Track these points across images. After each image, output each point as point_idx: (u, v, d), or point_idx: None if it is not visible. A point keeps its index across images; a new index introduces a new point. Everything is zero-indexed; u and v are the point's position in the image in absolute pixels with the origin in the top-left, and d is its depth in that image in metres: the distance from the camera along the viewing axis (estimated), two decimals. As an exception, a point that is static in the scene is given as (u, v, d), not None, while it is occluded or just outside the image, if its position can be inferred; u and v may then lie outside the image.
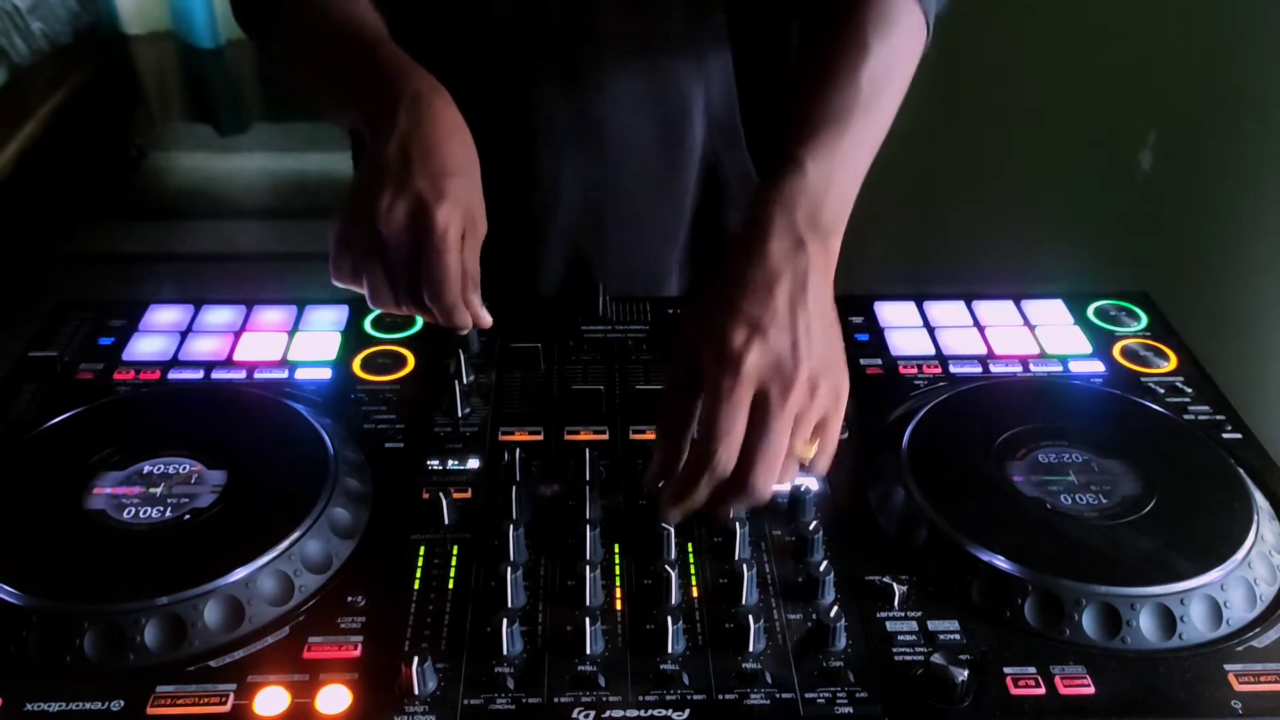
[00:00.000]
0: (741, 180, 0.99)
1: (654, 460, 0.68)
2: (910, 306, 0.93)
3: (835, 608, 0.63)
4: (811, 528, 0.68)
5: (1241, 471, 0.73)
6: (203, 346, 0.86)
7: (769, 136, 0.98)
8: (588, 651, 0.62)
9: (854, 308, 0.92)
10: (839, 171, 0.71)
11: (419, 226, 0.71)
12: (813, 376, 0.64)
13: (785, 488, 0.67)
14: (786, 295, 0.66)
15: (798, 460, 0.66)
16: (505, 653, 0.61)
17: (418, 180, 0.72)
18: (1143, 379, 0.84)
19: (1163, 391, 0.83)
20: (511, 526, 0.67)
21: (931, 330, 0.90)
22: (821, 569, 0.65)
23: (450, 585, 0.66)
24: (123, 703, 0.58)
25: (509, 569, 0.64)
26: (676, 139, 0.95)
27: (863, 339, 0.89)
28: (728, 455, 0.63)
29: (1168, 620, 0.63)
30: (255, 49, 0.91)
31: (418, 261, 0.72)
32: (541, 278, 1.01)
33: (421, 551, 0.68)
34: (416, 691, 0.59)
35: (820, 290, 0.67)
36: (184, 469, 0.71)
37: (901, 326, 0.91)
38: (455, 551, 0.68)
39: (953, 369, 0.85)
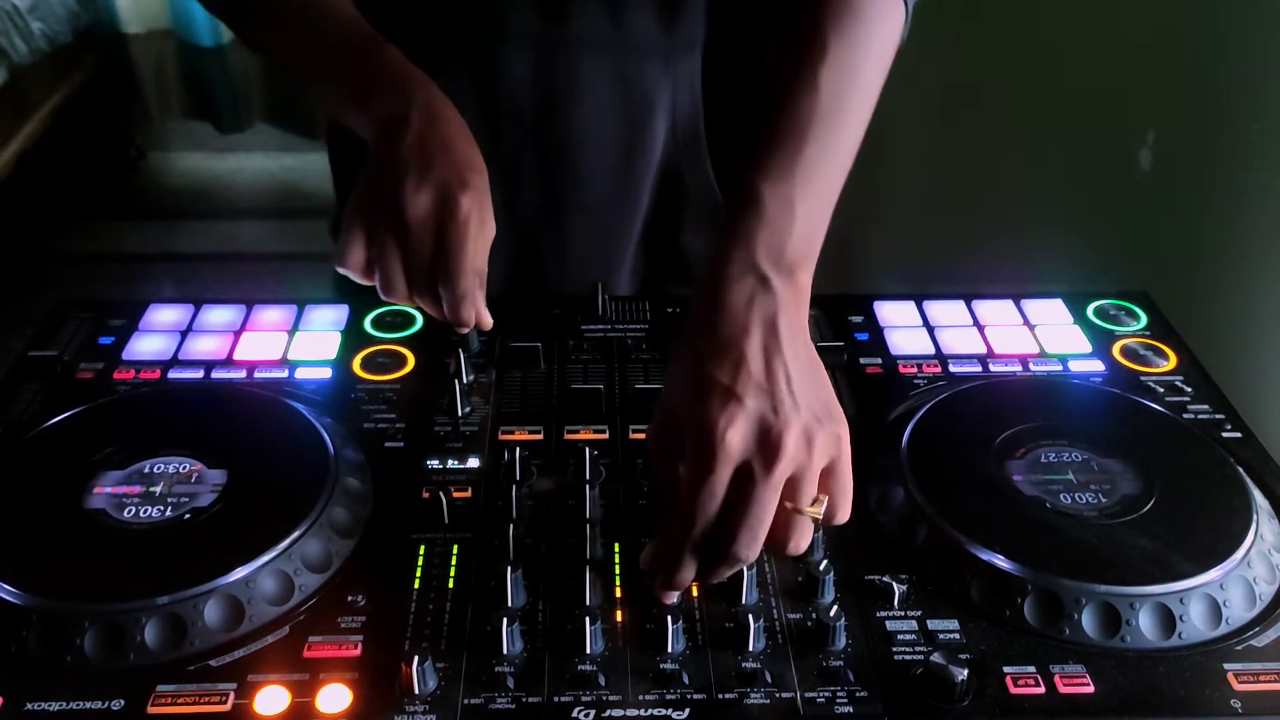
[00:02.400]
0: (701, 189, 0.99)
1: (654, 542, 0.64)
2: (910, 306, 0.93)
3: (835, 607, 0.63)
4: (811, 527, 0.68)
5: (1241, 471, 0.73)
6: (203, 346, 0.86)
7: (731, 145, 0.98)
8: (588, 651, 0.62)
9: (854, 308, 0.92)
10: (801, 195, 0.66)
11: (445, 211, 0.72)
12: (805, 432, 0.60)
13: (803, 546, 0.63)
14: (758, 348, 0.61)
15: (810, 520, 0.62)
16: (505, 652, 0.61)
17: (442, 170, 0.73)
18: (1143, 378, 0.85)
19: (1163, 391, 0.83)
20: (511, 526, 0.67)
21: (931, 330, 0.90)
22: (821, 569, 0.65)
23: (450, 585, 0.66)
24: (123, 702, 0.58)
25: (509, 569, 0.64)
26: (637, 140, 0.95)
27: (863, 339, 0.89)
28: (702, 531, 0.60)
29: (1167, 619, 0.63)
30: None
31: (438, 248, 0.72)
32: (494, 266, 1.00)
33: (421, 551, 0.68)
34: (416, 691, 0.59)
35: (793, 331, 0.63)
36: (184, 468, 0.71)
37: (901, 326, 0.91)
38: (455, 551, 0.68)
39: (953, 368, 0.85)
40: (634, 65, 0.92)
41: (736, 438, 0.59)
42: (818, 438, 0.61)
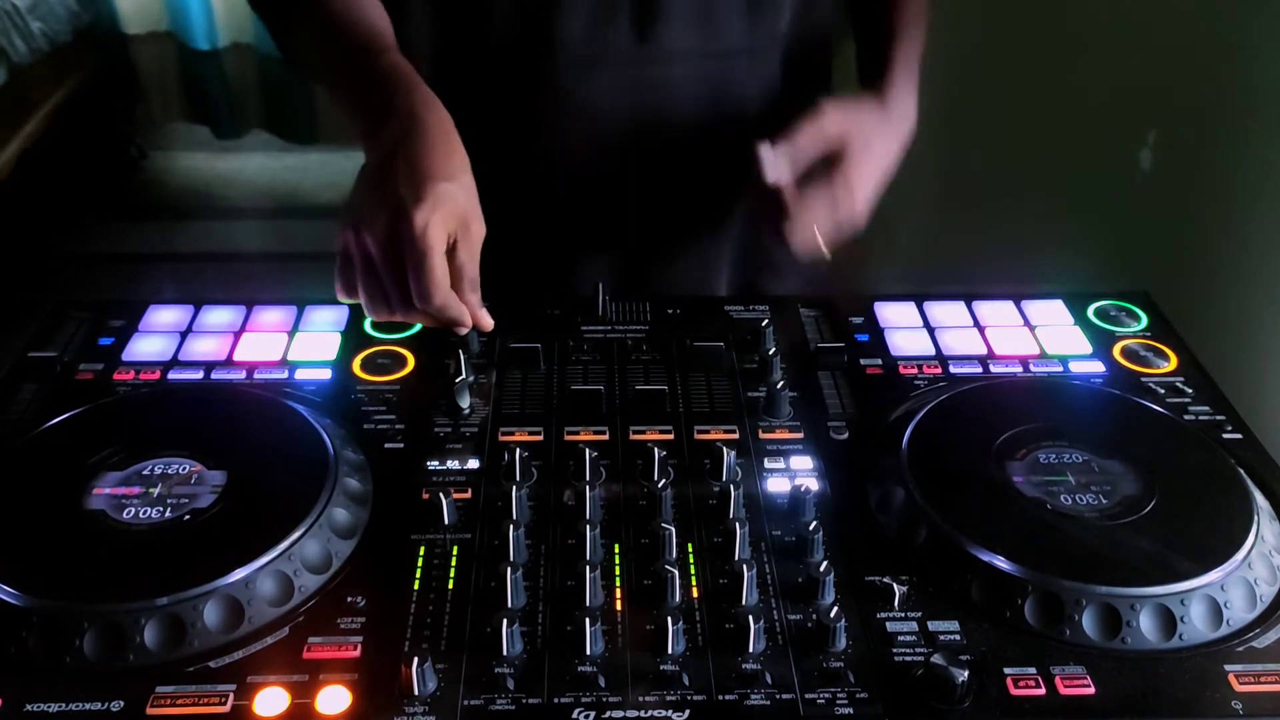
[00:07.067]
0: None
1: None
2: (910, 306, 0.93)
3: (835, 608, 0.63)
4: (811, 528, 0.68)
5: (1241, 471, 0.73)
6: (203, 347, 0.86)
7: None
8: (588, 651, 0.61)
9: (854, 308, 0.92)
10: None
11: (399, 231, 0.72)
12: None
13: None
14: (900, 109, 0.95)
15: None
16: (505, 653, 0.61)
17: (400, 188, 0.73)
18: (1143, 379, 0.84)
19: (1163, 391, 0.83)
20: (511, 526, 0.67)
21: (931, 330, 0.90)
22: (821, 569, 0.65)
23: (450, 585, 0.66)
24: (123, 703, 0.58)
25: (509, 569, 0.64)
26: (728, 140, 0.96)
27: (863, 339, 0.89)
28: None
29: (1168, 620, 0.63)
30: (273, 45, 0.92)
31: (404, 266, 0.73)
32: (592, 275, 1.01)
33: (421, 551, 0.68)
34: (416, 691, 0.59)
35: (904, 139, 0.95)
36: (184, 469, 0.71)
37: (901, 326, 0.90)
38: (455, 551, 0.68)
39: (953, 369, 0.85)
40: (723, 68, 0.94)
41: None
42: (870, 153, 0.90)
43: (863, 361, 0.86)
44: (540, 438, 0.78)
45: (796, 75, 1.00)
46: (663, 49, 0.92)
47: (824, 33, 1.01)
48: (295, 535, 0.66)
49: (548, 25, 0.90)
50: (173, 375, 0.83)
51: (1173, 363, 0.86)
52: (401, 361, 0.85)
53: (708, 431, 0.78)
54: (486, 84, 0.85)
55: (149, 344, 0.87)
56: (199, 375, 0.84)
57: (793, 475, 0.74)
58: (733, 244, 1.04)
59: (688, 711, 0.59)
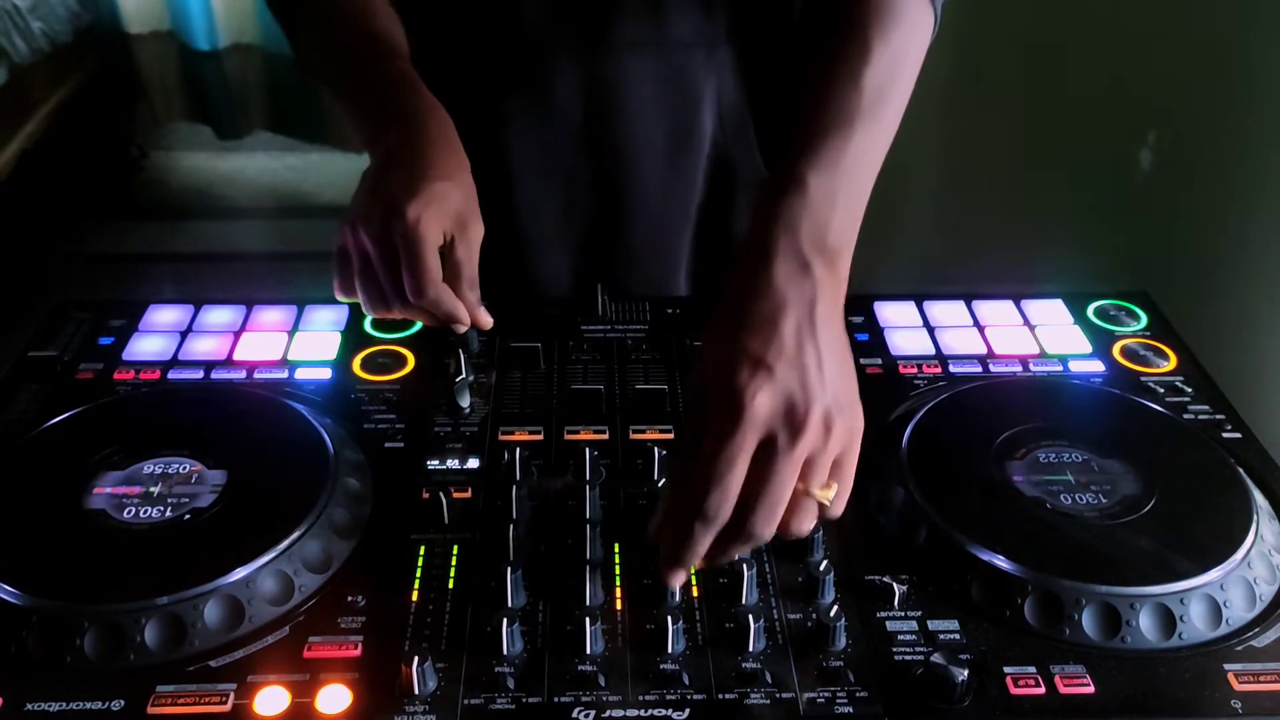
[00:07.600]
0: (752, 171, 1.00)
1: (658, 514, 0.64)
2: (910, 306, 0.93)
3: (835, 608, 0.63)
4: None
5: (1241, 471, 0.73)
6: (203, 346, 0.86)
7: (777, 125, 0.99)
8: (588, 651, 0.62)
9: (854, 308, 0.92)
10: (844, 184, 0.67)
11: (392, 226, 0.73)
12: (826, 415, 0.60)
13: (805, 530, 0.62)
14: (794, 327, 0.62)
15: (817, 503, 0.62)
16: (505, 653, 0.61)
17: (395, 187, 0.74)
18: (1143, 379, 0.84)
19: (1163, 391, 0.83)
20: (511, 526, 0.67)
21: (931, 330, 0.90)
22: (821, 569, 0.65)
23: (450, 585, 0.66)
24: (123, 703, 0.58)
25: (509, 569, 0.64)
26: (687, 132, 0.96)
27: (863, 339, 0.89)
28: (720, 503, 0.59)
29: (1168, 620, 0.63)
30: (274, 45, 0.93)
31: (397, 262, 0.73)
32: (551, 272, 1.01)
33: (421, 551, 0.68)
34: (416, 691, 0.59)
35: (829, 318, 0.63)
36: (184, 469, 0.71)
37: (901, 326, 0.91)
38: (455, 551, 0.68)
39: (953, 369, 0.85)
40: (678, 59, 0.93)
41: (764, 404, 0.59)
42: (837, 424, 0.61)
43: (863, 361, 0.86)
44: (540, 437, 0.78)
45: (755, 67, 0.98)
46: (618, 39, 0.91)
47: (783, 26, 0.97)
48: (295, 535, 0.66)
49: (505, 14, 0.90)
50: (173, 375, 0.84)
51: (1172, 362, 0.86)
52: (401, 361, 0.85)
53: (708, 431, 0.78)
54: (449, 77, 0.85)
55: (149, 344, 0.87)
56: (199, 375, 0.84)
57: (792, 475, 0.74)
58: (692, 233, 1.03)
59: (688, 711, 0.59)
